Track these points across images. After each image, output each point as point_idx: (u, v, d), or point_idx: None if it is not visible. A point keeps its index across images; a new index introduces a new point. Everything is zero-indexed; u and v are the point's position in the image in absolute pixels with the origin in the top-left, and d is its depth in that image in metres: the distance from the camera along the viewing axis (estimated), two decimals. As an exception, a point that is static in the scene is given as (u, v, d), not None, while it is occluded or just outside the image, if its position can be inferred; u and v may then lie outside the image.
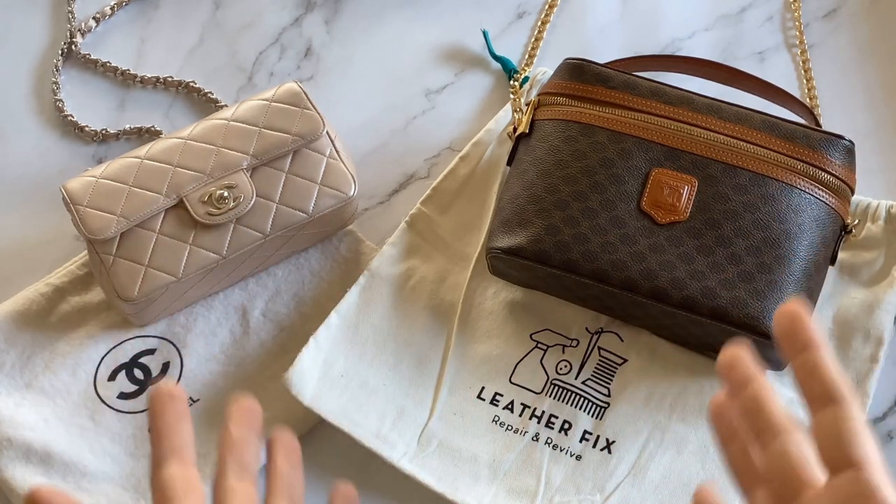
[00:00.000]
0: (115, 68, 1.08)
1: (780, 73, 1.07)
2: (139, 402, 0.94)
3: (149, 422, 0.62)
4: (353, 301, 0.96)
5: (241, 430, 0.63)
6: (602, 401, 0.93)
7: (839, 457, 0.54)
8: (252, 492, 0.62)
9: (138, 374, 0.95)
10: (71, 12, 1.10)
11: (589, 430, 0.92)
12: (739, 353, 0.58)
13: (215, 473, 0.62)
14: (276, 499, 0.62)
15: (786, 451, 0.56)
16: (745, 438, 0.59)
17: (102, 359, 0.95)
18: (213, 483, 0.63)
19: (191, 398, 0.94)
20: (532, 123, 0.96)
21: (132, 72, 1.08)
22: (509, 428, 0.92)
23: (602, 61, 0.97)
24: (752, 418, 0.57)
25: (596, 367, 0.94)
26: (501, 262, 0.93)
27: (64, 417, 0.93)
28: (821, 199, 0.91)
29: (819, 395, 0.55)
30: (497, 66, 1.08)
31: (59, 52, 1.08)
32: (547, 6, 1.11)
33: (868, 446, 0.54)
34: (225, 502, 0.61)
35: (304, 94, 0.96)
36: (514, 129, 0.98)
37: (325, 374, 0.93)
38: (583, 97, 0.94)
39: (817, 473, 0.55)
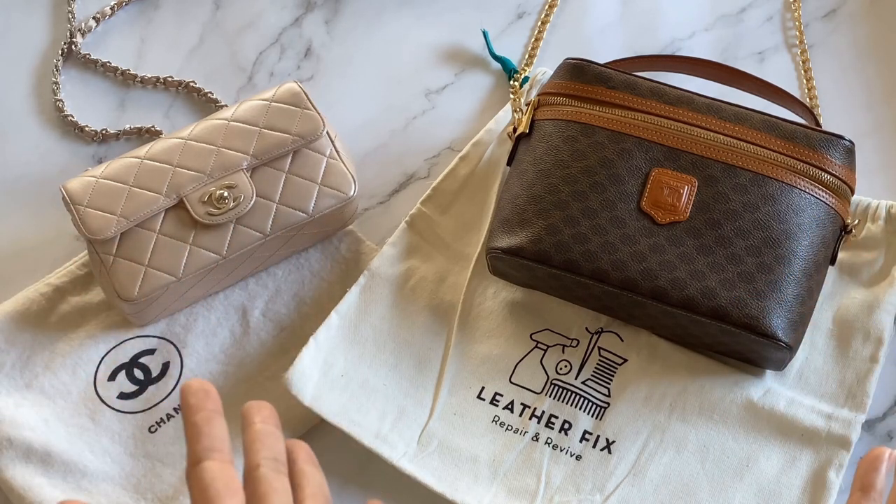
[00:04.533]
0: (115, 68, 1.08)
1: (780, 73, 1.07)
2: (139, 402, 0.94)
3: (183, 418, 0.60)
4: (353, 301, 0.96)
5: (266, 425, 0.62)
6: (602, 401, 0.93)
7: None
8: (288, 486, 0.61)
9: (138, 374, 0.95)
10: (71, 12, 1.10)
11: (589, 430, 0.92)
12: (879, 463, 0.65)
13: (247, 466, 0.60)
14: (310, 500, 0.61)
15: None
16: None
17: (102, 359, 0.95)
18: (245, 476, 0.61)
19: (191, 398, 0.94)
20: (532, 123, 0.96)
21: (132, 72, 1.08)
22: (509, 428, 0.92)
23: (602, 61, 0.97)
24: None
25: (596, 367, 0.94)
26: (501, 262, 0.93)
27: (64, 417, 0.93)
28: (821, 199, 0.91)
29: None
30: (497, 66, 1.08)
31: (59, 52, 1.08)
32: (547, 6, 1.11)
33: None
34: (267, 498, 0.59)
35: (304, 94, 0.96)
36: (514, 129, 0.98)
37: (325, 374, 0.93)
38: (583, 97, 0.94)
39: None
